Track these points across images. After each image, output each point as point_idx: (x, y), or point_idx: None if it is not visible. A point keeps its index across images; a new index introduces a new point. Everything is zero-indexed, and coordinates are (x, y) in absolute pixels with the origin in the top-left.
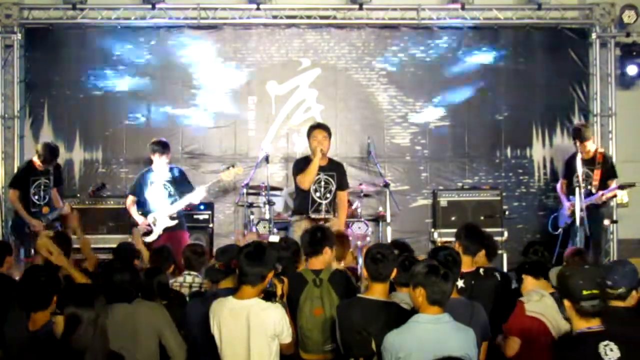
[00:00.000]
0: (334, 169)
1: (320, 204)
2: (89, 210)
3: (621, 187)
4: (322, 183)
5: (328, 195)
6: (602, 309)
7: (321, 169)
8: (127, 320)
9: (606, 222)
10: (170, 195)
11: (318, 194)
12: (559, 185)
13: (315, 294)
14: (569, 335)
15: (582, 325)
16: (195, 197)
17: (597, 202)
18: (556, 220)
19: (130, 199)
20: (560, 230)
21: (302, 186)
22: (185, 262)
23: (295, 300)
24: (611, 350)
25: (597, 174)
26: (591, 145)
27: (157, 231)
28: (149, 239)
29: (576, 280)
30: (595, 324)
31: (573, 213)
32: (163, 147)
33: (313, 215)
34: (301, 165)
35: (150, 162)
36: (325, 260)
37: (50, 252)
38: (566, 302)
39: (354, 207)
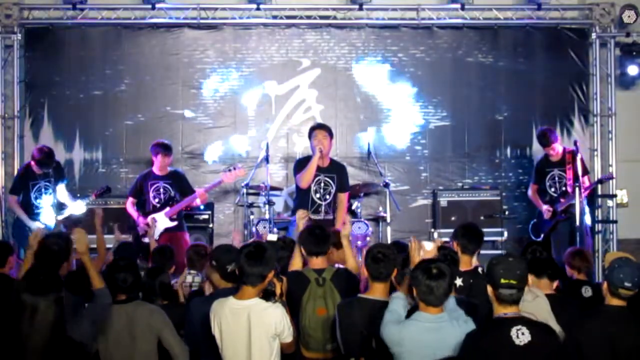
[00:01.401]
0: (335, 170)
1: (319, 204)
2: (89, 210)
3: (600, 182)
4: (322, 184)
5: (327, 196)
6: (519, 298)
7: (321, 170)
8: (126, 321)
9: (589, 220)
10: (170, 197)
11: (318, 195)
12: (530, 191)
13: (318, 294)
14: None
15: (500, 310)
16: (195, 199)
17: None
18: (537, 227)
19: (130, 200)
20: (541, 236)
21: (300, 185)
22: (188, 263)
23: (298, 300)
24: (522, 334)
25: (569, 174)
26: (559, 147)
27: (156, 232)
28: (147, 240)
29: (498, 269)
30: (511, 311)
31: (553, 216)
32: (165, 148)
33: (312, 216)
34: (302, 164)
35: (151, 162)
36: (328, 259)
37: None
38: (489, 288)
39: (353, 207)
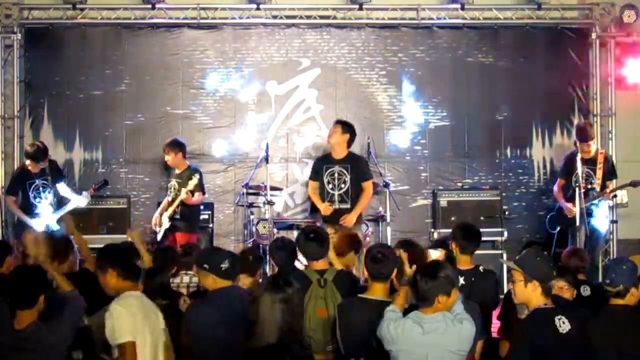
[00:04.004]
0: (349, 161)
1: (332, 194)
2: (89, 210)
3: (633, 184)
4: (336, 175)
5: (342, 185)
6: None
7: (336, 161)
8: None
9: (605, 221)
10: (175, 196)
11: (331, 186)
12: (556, 186)
13: (319, 294)
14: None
15: (542, 301)
16: (179, 199)
17: (606, 198)
18: (554, 220)
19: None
20: (558, 229)
21: None
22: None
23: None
24: (564, 322)
25: (599, 174)
26: (593, 145)
27: (160, 232)
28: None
29: (546, 263)
30: (549, 302)
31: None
32: (164, 145)
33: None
34: (314, 167)
35: (149, 162)
36: (328, 261)
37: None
38: (535, 283)
39: None
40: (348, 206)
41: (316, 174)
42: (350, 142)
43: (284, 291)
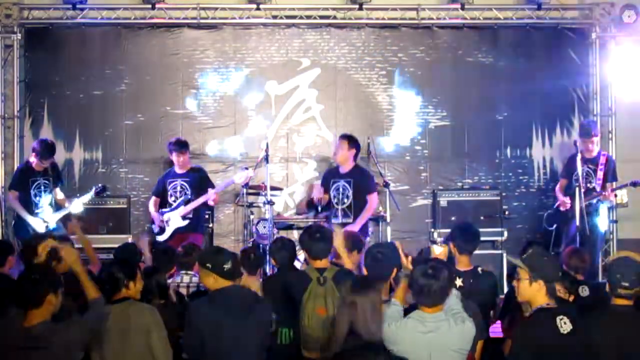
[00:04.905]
0: (352, 175)
1: (337, 209)
2: (89, 210)
3: (634, 184)
4: (340, 189)
5: (345, 200)
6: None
7: (341, 175)
8: (118, 321)
9: (604, 221)
10: (186, 195)
11: (335, 200)
12: (557, 186)
13: (319, 293)
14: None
15: (545, 301)
16: (207, 199)
17: (603, 199)
18: (552, 217)
19: (152, 200)
20: (555, 226)
21: None
22: (177, 263)
23: (298, 298)
24: (565, 323)
25: (600, 175)
26: (597, 145)
27: (168, 231)
28: (160, 238)
29: (553, 264)
30: (552, 302)
31: (567, 210)
32: (176, 145)
33: (333, 220)
34: (324, 181)
35: (150, 162)
36: (328, 259)
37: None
38: (540, 283)
39: None
40: (350, 220)
41: (326, 188)
42: (356, 155)
43: (362, 294)
